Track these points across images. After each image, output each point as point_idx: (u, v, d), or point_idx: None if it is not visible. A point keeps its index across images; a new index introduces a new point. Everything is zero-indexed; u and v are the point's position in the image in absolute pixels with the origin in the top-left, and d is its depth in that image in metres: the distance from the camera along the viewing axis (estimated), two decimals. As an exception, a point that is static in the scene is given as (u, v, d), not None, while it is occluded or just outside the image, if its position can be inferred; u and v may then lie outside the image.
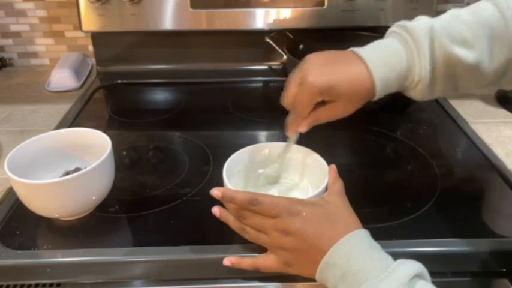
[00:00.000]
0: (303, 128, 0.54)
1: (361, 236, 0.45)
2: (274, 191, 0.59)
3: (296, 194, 0.58)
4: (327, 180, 0.52)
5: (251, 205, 0.47)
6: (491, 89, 0.54)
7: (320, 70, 0.50)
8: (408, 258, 0.42)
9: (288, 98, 0.53)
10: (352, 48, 0.52)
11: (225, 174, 0.53)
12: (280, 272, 0.48)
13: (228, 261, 0.50)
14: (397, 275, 0.40)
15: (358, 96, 0.51)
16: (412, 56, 0.50)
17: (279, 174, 0.60)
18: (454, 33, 0.49)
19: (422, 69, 0.49)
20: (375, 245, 0.45)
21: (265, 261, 0.49)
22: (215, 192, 0.49)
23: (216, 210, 0.51)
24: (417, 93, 0.52)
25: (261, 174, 0.59)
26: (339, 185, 0.52)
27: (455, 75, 0.50)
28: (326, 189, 0.52)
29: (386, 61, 0.50)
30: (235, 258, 0.50)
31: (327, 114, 0.53)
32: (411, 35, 0.49)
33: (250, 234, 0.49)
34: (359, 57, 0.50)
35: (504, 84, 0.53)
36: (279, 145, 0.59)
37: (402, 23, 0.52)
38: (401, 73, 0.50)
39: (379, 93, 0.51)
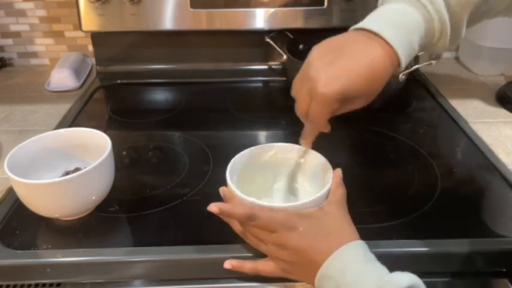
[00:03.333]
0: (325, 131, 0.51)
1: (356, 248, 0.45)
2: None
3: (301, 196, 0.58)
4: (329, 185, 0.51)
5: (249, 220, 0.47)
6: (507, 15, 0.53)
7: (328, 74, 0.45)
8: (404, 270, 0.41)
9: (300, 110, 0.49)
10: (354, 26, 0.48)
11: (228, 176, 0.52)
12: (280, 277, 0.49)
13: (229, 264, 0.50)
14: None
15: (379, 80, 0.46)
16: (427, 12, 0.46)
17: (290, 184, 0.60)
18: None
19: (442, 22, 0.46)
20: (370, 256, 0.45)
21: (266, 267, 0.49)
22: (213, 208, 0.48)
23: (216, 210, 0.50)
24: (441, 46, 0.49)
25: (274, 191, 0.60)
26: (340, 192, 0.51)
27: (468, 11, 0.47)
28: (328, 193, 0.51)
29: (402, 26, 0.45)
30: (237, 261, 0.50)
31: (347, 110, 0.49)
32: None
33: (251, 241, 0.50)
34: (370, 33, 0.46)
35: None
36: (285, 146, 0.58)
37: None
38: (421, 33, 0.46)
39: (405, 62, 0.46)
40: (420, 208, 0.58)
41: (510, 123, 0.80)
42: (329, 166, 0.54)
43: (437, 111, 0.85)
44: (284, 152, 0.58)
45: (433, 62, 0.78)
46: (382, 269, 0.43)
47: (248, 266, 0.49)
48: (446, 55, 1.09)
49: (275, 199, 0.60)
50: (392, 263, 0.43)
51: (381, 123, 0.78)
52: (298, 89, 0.49)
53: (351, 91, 0.45)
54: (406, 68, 0.76)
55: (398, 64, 0.46)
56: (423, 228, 0.55)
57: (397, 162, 0.69)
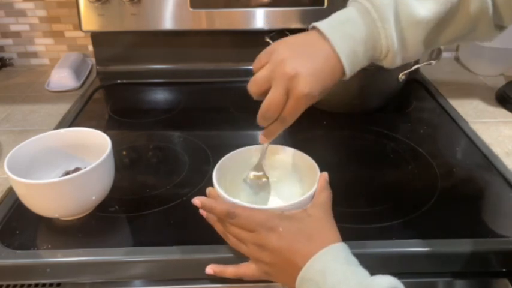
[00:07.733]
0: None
1: (337, 251, 0.44)
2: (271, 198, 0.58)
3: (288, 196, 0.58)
4: (315, 187, 0.50)
5: (229, 217, 0.47)
6: (466, 43, 0.52)
7: (307, 75, 0.45)
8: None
9: (274, 109, 0.48)
10: (314, 24, 0.48)
11: (215, 179, 0.52)
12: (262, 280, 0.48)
13: (210, 269, 0.50)
14: None
15: (330, 82, 0.47)
16: (375, 27, 0.47)
17: (265, 175, 0.58)
18: None
19: (388, 39, 0.47)
20: (352, 259, 0.44)
21: (247, 271, 0.48)
22: (196, 202, 0.49)
23: (203, 211, 0.51)
24: (389, 62, 0.50)
25: (246, 180, 0.58)
26: (325, 195, 0.50)
27: (423, 33, 0.48)
28: (313, 196, 0.50)
29: (350, 36, 0.47)
30: (218, 266, 0.50)
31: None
32: (373, 4, 0.47)
33: (231, 241, 0.49)
34: (322, 36, 0.47)
35: (477, 36, 0.52)
36: (275, 147, 0.58)
37: None
38: (367, 46, 0.47)
39: (350, 72, 0.48)
40: (420, 208, 0.58)
41: (510, 123, 0.80)
42: (315, 167, 0.53)
43: (437, 111, 0.85)
44: (272, 153, 0.58)
45: (433, 62, 0.78)
46: (363, 272, 0.42)
47: (230, 270, 0.49)
48: (447, 55, 1.09)
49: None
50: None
51: (381, 123, 0.78)
52: (261, 64, 0.50)
53: (323, 92, 0.47)
54: (406, 67, 0.77)
55: (343, 71, 0.47)
56: (423, 228, 0.55)
57: (397, 162, 0.69)
